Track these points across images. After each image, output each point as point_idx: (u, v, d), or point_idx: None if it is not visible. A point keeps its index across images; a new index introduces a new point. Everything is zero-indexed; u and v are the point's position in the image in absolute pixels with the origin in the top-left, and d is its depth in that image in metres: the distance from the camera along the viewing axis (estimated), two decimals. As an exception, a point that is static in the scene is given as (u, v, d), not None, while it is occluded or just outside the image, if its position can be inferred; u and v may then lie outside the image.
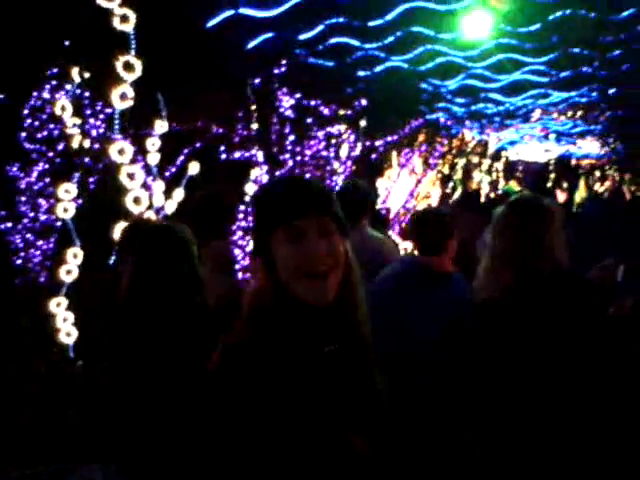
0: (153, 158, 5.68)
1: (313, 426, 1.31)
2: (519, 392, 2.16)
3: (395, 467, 1.46)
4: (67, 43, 4.68)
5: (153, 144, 5.64)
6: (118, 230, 4.01)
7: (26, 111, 6.03)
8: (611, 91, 10.87)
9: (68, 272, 4.90)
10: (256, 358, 1.33)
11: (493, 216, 2.41)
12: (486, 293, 2.32)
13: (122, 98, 3.72)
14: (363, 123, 9.41)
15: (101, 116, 5.86)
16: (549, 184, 21.66)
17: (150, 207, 5.58)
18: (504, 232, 2.34)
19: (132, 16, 3.64)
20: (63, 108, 4.98)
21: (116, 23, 3.60)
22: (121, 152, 3.77)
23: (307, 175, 8.63)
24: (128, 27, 3.63)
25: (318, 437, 1.31)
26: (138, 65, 3.70)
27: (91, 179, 6.92)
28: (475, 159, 18.47)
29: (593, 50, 8.32)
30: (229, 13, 6.00)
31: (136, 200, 3.94)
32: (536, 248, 2.25)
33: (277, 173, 7.69)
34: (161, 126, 5.72)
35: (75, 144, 5.19)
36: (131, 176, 3.80)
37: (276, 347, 1.34)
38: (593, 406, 2.08)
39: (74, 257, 4.80)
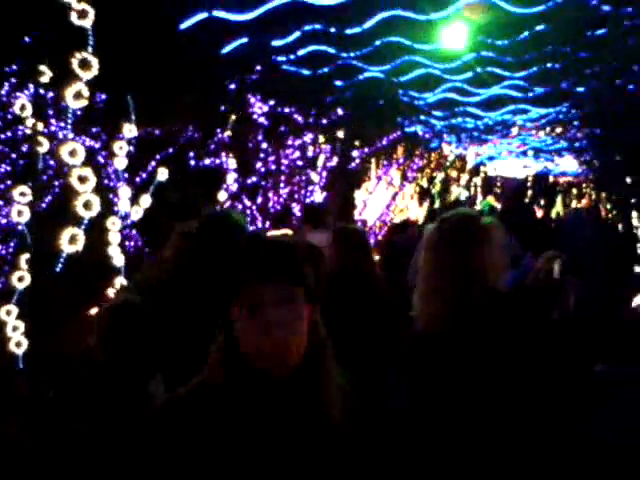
0: (120, 162, 5.51)
1: None
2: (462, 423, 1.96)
3: None
4: (27, 39, 4.47)
5: (121, 148, 5.48)
6: (65, 237, 3.79)
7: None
8: (588, 109, 10.88)
9: (20, 279, 4.65)
10: (184, 418, 1.29)
11: (425, 234, 2.21)
12: (420, 324, 2.11)
13: (77, 97, 3.52)
14: (340, 134, 9.31)
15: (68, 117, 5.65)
16: (527, 200, 21.78)
17: (115, 213, 5.42)
18: (431, 254, 2.12)
19: (91, 12, 3.45)
20: (23, 107, 4.76)
21: (74, 18, 3.40)
22: (73, 153, 3.56)
23: (282, 185, 8.50)
24: (86, 23, 3.44)
25: None
26: (95, 63, 3.50)
27: (56, 182, 6.70)
28: (454, 173, 18.50)
29: (570, 66, 8.29)
30: (203, 15, 5.82)
31: (86, 205, 3.72)
32: (465, 272, 2.03)
33: (249, 181, 7.53)
34: (130, 130, 5.56)
35: (40, 146, 4.97)
36: (82, 179, 3.59)
37: (208, 411, 1.29)
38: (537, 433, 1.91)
39: (26, 263, 4.55)
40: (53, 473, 2.28)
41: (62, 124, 5.65)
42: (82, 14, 3.42)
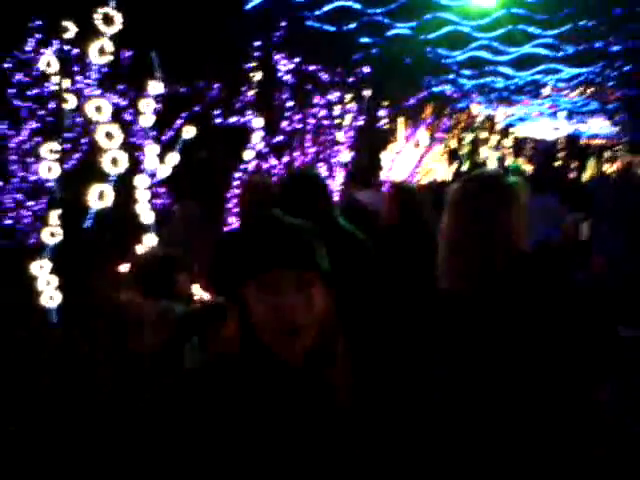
0: (147, 120, 5.54)
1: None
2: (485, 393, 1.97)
3: None
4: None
5: (147, 105, 5.49)
6: (93, 193, 3.85)
7: (8, 65, 5.83)
8: (625, 68, 10.53)
9: (52, 234, 4.75)
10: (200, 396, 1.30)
11: (448, 194, 2.16)
12: (445, 283, 2.10)
13: (100, 53, 3.54)
14: (367, 92, 9.19)
15: (93, 74, 5.68)
16: (557, 163, 21.40)
17: (142, 171, 5.47)
18: (458, 214, 2.07)
19: (113, -34, 3.45)
20: (49, 64, 4.80)
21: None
22: (99, 110, 3.60)
23: (308, 145, 8.47)
24: (108, -22, 3.44)
25: None
26: (118, 18, 3.51)
27: (84, 140, 6.77)
28: (483, 134, 18.22)
29: (604, 24, 8.01)
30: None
31: (114, 161, 3.77)
32: (488, 232, 1.98)
33: (275, 140, 7.52)
34: (154, 87, 5.57)
35: (66, 103, 5.02)
36: (109, 136, 3.63)
37: (222, 391, 1.30)
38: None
39: (57, 219, 4.65)
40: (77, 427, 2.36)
41: (88, 81, 5.71)
42: (105, -31, 3.42)
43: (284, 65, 6.90)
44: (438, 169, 14.66)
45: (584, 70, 11.32)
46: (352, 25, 7.56)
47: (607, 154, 22.93)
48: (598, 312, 1.99)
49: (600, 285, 2.24)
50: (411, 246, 3.72)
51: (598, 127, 20.12)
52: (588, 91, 13.82)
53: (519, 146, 21.96)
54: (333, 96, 8.13)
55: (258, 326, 1.31)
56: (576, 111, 17.30)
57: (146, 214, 5.37)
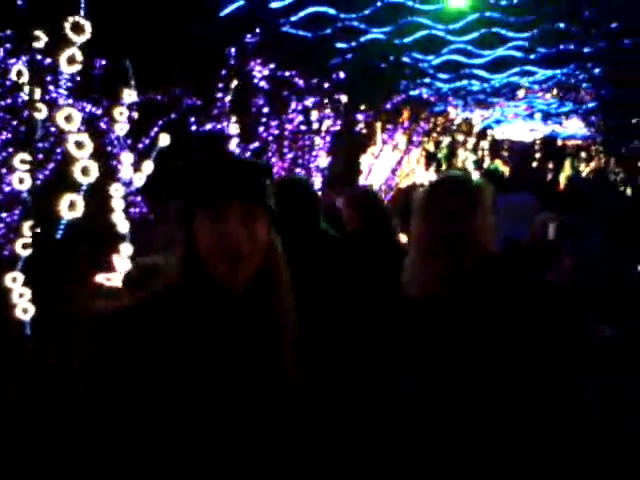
0: (121, 129, 5.51)
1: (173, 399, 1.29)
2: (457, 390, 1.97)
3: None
4: (20, 3, 4.42)
5: (121, 113, 5.47)
6: (64, 203, 3.80)
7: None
8: (596, 70, 10.68)
9: (24, 246, 4.69)
10: (137, 324, 1.34)
11: (415, 198, 2.19)
12: (413, 289, 2.10)
13: (70, 62, 3.50)
14: (344, 98, 9.21)
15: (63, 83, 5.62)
16: (534, 164, 21.59)
17: (117, 180, 5.42)
18: (425, 218, 2.10)
19: (81, -27, 3.41)
20: (20, 74, 4.74)
21: (65, -19, 3.37)
22: (68, 119, 3.56)
23: (285, 150, 8.46)
24: (77, -15, 3.40)
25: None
26: (88, 27, 3.47)
27: (58, 150, 6.68)
28: (460, 137, 18.32)
29: (576, 26, 8.12)
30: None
31: (84, 171, 3.73)
32: (456, 236, 2.01)
33: (251, 147, 7.49)
34: (129, 94, 5.54)
35: (39, 112, 4.96)
36: (79, 145, 3.59)
37: (162, 318, 1.34)
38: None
39: (29, 230, 4.59)
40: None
41: (60, 90, 5.64)
42: (74, -24, 3.38)
43: (259, 72, 6.88)
44: (417, 172, 14.70)
45: (558, 72, 11.45)
46: (327, 31, 7.57)
47: (583, 154, 23.18)
48: (565, 311, 2.01)
49: (569, 285, 2.25)
50: (373, 251, 3.67)
51: (574, 128, 20.35)
52: (563, 92, 13.98)
53: (496, 148, 22.11)
54: (309, 101, 8.12)
55: (204, 254, 1.38)
56: (552, 112, 17.49)
57: (122, 223, 5.33)
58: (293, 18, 6.99)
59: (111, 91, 5.50)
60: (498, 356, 1.91)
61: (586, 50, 9.26)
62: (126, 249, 5.27)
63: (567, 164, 21.92)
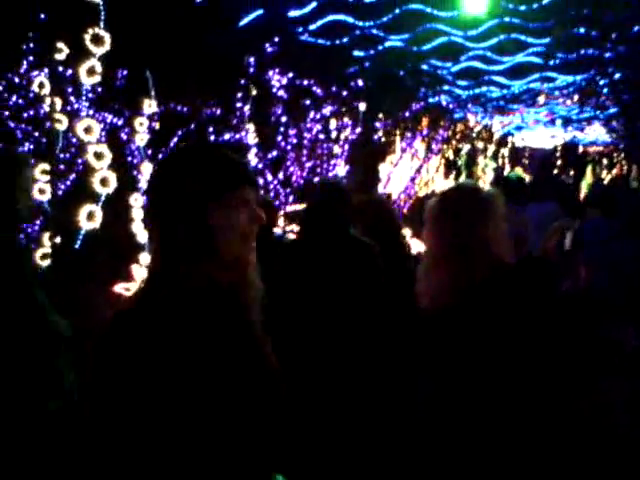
0: (142, 139, 5.56)
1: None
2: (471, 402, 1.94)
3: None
4: (42, 16, 4.48)
5: (141, 124, 5.52)
6: (82, 214, 3.82)
7: (1, 88, 5.84)
8: (617, 75, 10.54)
9: (44, 256, 4.72)
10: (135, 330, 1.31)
11: (427, 207, 2.17)
12: (426, 300, 2.08)
13: (90, 73, 3.52)
14: (362, 106, 9.19)
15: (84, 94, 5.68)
16: (555, 171, 21.40)
17: (137, 190, 5.46)
18: (437, 228, 2.09)
19: (101, -15, 3.44)
20: (41, 85, 4.79)
21: (84, -7, 3.40)
22: (88, 130, 3.58)
23: (304, 159, 8.46)
24: (97, -3, 3.43)
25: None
26: (107, 38, 3.50)
27: (79, 160, 6.75)
28: (480, 144, 18.20)
29: (597, 30, 8.02)
30: (219, -13, 5.76)
31: (103, 181, 3.75)
32: (468, 245, 2.00)
33: (270, 156, 7.50)
34: (149, 105, 5.59)
35: (59, 124, 5.02)
36: (98, 156, 3.61)
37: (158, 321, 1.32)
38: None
39: (49, 240, 4.62)
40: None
41: (82, 101, 5.70)
42: (93, -12, 3.41)
43: (278, 81, 6.89)
44: (436, 181, 14.63)
45: (578, 77, 11.34)
46: (345, 39, 7.57)
47: (605, 161, 22.91)
48: (576, 320, 1.98)
49: (585, 294, 2.21)
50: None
51: (595, 134, 20.14)
52: (584, 98, 13.84)
53: (516, 155, 21.94)
54: (328, 110, 8.12)
55: (227, 247, 1.38)
56: (573, 119, 17.33)
57: (141, 233, 5.35)
58: (311, 27, 6.99)
59: (132, 102, 5.55)
60: (506, 365, 1.89)
61: (607, 55, 9.16)
62: (145, 259, 5.29)
63: (589, 171, 21.68)
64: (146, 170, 5.55)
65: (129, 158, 6.14)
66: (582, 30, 7.96)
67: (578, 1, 7.06)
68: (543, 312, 1.93)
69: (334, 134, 8.88)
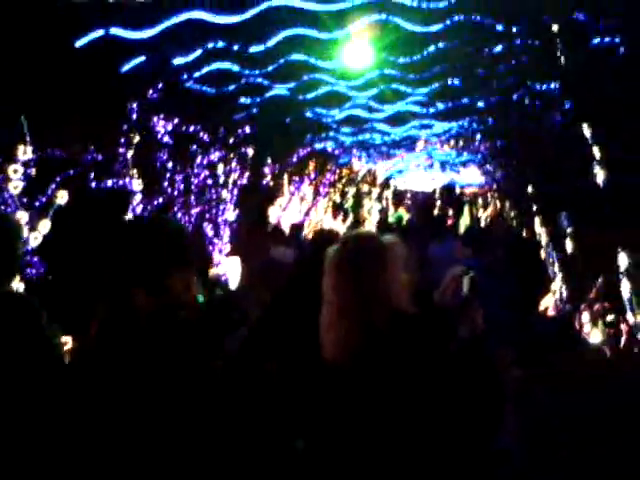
0: (15, 187, 5.30)
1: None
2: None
3: None
4: None
5: (15, 171, 5.28)
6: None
7: None
8: (489, 122, 11.30)
9: None
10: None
11: (327, 256, 2.12)
12: (326, 352, 2.05)
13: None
14: (250, 151, 9.24)
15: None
16: (436, 212, 22.43)
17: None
18: (337, 277, 2.05)
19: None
20: None
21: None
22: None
23: (192, 205, 8.32)
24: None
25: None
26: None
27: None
28: (365, 187, 18.79)
29: (470, 82, 8.58)
30: (99, 33, 5.61)
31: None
32: (368, 295, 1.97)
33: (156, 203, 7.31)
34: (24, 152, 5.36)
35: None
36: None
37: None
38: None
39: None
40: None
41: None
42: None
43: (163, 126, 6.78)
44: (325, 222, 14.90)
45: (454, 124, 12.03)
46: (231, 87, 7.61)
47: (480, 201, 24.30)
48: (480, 371, 2.01)
49: (483, 339, 2.26)
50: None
51: (471, 176, 21.37)
52: (460, 143, 14.68)
53: (399, 197, 22.83)
54: (215, 156, 8.08)
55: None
56: (449, 162, 18.31)
57: (17, 286, 5.05)
58: (196, 74, 6.97)
59: (5, 148, 5.29)
60: (402, 419, 1.87)
61: (479, 104, 9.80)
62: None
63: (466, 210, 22.91)
64: (21, 219, 5.25)
65: (1, 207, 5.79)
66: (457, 82, 8.50)
67: (453, 56, 7.53)
68: (441, 363, 1.94)
69: (222, 179, 8.84)
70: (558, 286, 8.52)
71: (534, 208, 12.00)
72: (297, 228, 9.68)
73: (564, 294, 8.33)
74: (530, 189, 11.83)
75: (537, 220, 11.83)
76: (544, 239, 10.10)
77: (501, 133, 12.21)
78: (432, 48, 7.25)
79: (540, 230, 11.65)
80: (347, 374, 1.94)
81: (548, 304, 8.13)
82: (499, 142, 13.28)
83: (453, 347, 2.07)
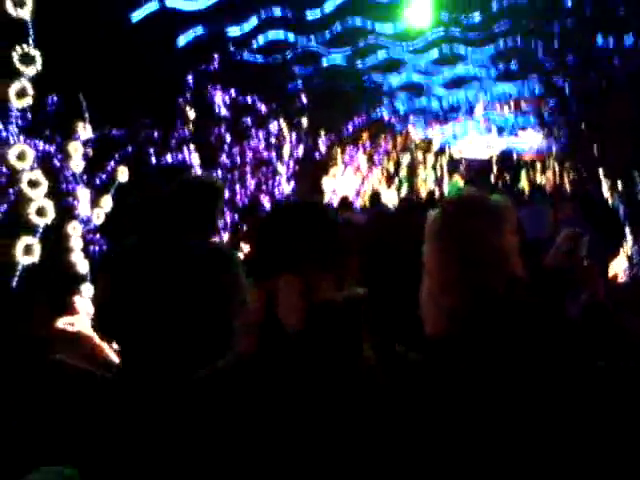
0: (77, 165, 5.30)
1: None
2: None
3: None
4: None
5: (76, 150, 5.27)
6: (20, 247, 3.51)
7: None
8: (557, 80, 10.71)
9: (-22, 294, 4.35)
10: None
11: (427, 221, 1.84)
12: (431, 326, 1.82)
13: (20, 95, 3.24)
14: (304, 121, 9.08)
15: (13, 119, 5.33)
16: (492, 179, 21.86)
17: (75, 217, 5.16)
18: (442, 243, 1.78)
19: (29, 2, 3.15)
20: (-36, 111, 4.44)
21: (10, 8, 3.10)
22: (21, 157, 3.29)
23: (248, 177, 8.25)
24: (25, 13, 3.14)
25: None
26: (38, 57, 3.22)
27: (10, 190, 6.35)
28: (420, 156, 18.40)
29: (537, 39, 8.12)
30: (154, 6, 5.50)
31: (40, 211, 3.45)
32: (486, 260, 1.72)
33: (214, 175, 7.26)
34: (84, 130, 5.34)
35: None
36: (34, 184, 3.32)
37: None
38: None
39: (-17, 278, 4.26)
40: None
41: (11, 128, 5.34)
42: (19, 3, 3.12)
43: (220, 98, 6.68)
44: (381, 192, 14.68)
45: (514, 86, 11.54)
46: (288, 56, 7.42)
47: (539, 165, 23.56)
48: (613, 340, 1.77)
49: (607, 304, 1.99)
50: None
51: (529, 141, 20.69)
52: (522, 105, 14.11)
53: (454, 165, 22.32)
54: (272, 126, 7.96)
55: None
56: (507, 126, 17.70)
57: (81, 263, 5.07)
58: (251, 44, 6.81)
59: (65, 127, 5.28)
60: (528, 408, 1.62)
61: (545, 64, 9.30)
62: (88, 290, 4.98)
63: (523, 175, 22.25)
64: (83, 197, 5.26)
65: (63, 185, 5.82)
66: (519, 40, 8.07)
67: (520, 13, 7.11)
68: (565, 332, 1.70)
69: (278, 151, 8.74)
70: (630, 250, 8.12)
71: (600, 172, 11.48)
72: (375, 196, 9.70)
73: (635, 259, 7.94)
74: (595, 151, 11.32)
75: (605, 184, 11.32)
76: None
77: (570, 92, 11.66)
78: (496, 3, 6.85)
79: (607, 194, 11.16)
80: (459, 349, 1.71)
81: (617, 270, 7.77)
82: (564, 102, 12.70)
83: (574, 313, 1.84)
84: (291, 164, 9.04)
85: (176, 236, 2.66)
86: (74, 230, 5.06)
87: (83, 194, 5.29)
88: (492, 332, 1.64)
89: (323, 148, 10.58)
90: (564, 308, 1.89)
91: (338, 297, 1.49)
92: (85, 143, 5.33)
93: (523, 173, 22.46)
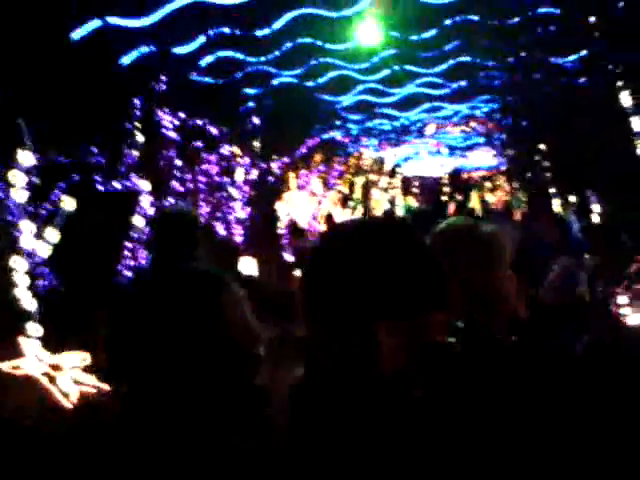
0: (19, 194, 5.09)
1: None
2: None
3: None
4: None
5: (15, 177, 5.05)
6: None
7: None
8: (508, 99, 10.85)
9: None
10: None
11: None
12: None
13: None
14: (257, 144, 8.95)
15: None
16: (444, 198, 22.15)
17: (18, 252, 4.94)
18: None
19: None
20: None
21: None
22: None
23: (201, 204, 8.04)
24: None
25: None
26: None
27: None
28: (373, 177, 18.49)
29: (488, 58, 8.18)
30: (96, 23, 5.29)
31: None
32: (480, 290, 1.53)
33: (166, 203, 7.02)
34: (25, 157, 5.14)
35: None
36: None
37: None
38: None
39: None
40: None
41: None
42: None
43: (170, 122, 6.47)
44: (335, 215, 14.62)
45: (464, 105, 11.66)
46: (236, 76, 7.28)
47: (488, 184, 23.99)
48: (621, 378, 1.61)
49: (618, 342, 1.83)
50: None
51: (480, 159, 21.07)
52: (472, 125, 14.32)
53: (406, 185, 22.56)
54: (225, 150, 7.78)
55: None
56: (458, 146, 17.97)
57: (26, 299, 4.81)
58: (199, 64, 6.63)
59: (4, 154, 5.05)
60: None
61: (495, 82, 9.41)
62: (35, 329, 4.70)
63: (474, 195, 22.61)
64: (25, 229, 5.04)
65: (7, 217, 5.56)
66: (469, 59, 8.12)
67: (467, 31, 7.15)
68: (571, 370, 1.54)
69: (231, 175, 8.57)
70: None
71: (551, 189, 11.66)
72: (329, 218, 9.70)
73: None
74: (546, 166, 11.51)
75: (555, 201, 11.51)
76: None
77: (512, 112, 11.85)
78: (448, 22, 6.86)
79: (559, 210, 11.33)
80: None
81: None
82: (509, 121, 12.92)
83: (579, 349, 1.66)
84: (245, 189, 8.88)
85: (170, 263, 2.79)
86: (16, 264, 4.85)
87: (26, 225, 5.10)
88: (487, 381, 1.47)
89: (276, 172, 10.45)
90: (566, 344, 1.71)
91: None
92: (28, 171, 5.15)
93: (474, 193, 22.84)
